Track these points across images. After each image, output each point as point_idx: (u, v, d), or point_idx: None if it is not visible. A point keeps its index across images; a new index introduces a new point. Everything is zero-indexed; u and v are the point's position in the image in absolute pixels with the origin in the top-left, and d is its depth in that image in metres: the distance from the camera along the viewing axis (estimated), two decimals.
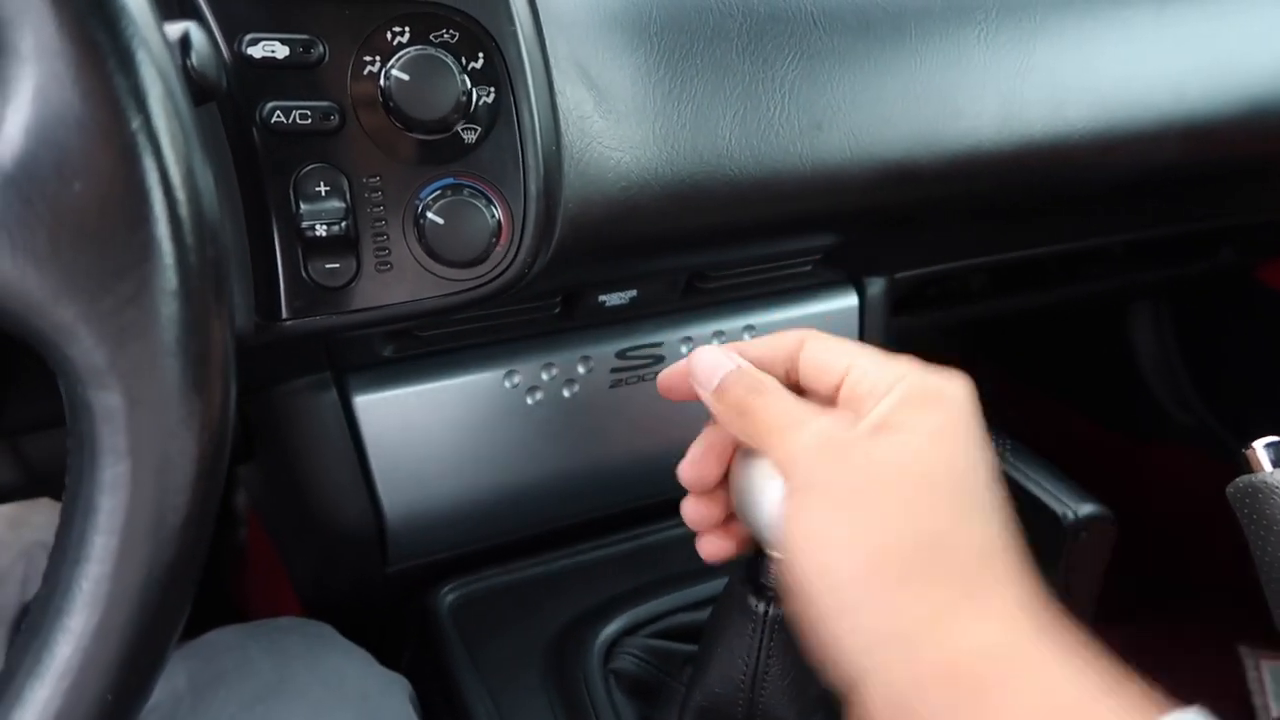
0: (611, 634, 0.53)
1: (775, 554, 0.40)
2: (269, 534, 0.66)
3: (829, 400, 0.37)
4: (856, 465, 0.34)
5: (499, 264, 0.45)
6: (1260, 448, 0.38)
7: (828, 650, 0.33)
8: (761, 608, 0.41)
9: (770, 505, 0.37)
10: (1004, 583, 0.32)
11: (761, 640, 0.42)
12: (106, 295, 0.25)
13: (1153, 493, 1.17)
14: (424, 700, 0.52)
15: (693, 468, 0.41)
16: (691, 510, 0.42)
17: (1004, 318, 1.09)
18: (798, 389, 0.39)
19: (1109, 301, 1.11)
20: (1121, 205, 0.73)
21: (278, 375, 0.53)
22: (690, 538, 0.65)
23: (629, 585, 0.58)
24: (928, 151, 0.56)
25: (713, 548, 0.42)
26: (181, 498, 0.27)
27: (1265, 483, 0.37)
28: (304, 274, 0.43)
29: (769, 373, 0.39)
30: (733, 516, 0.42)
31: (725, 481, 0.42)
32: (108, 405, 0.26)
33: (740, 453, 0.41)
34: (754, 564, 0.42)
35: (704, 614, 0.56)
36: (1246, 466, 0.38)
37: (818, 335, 0.40)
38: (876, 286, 0.68)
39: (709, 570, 0.58)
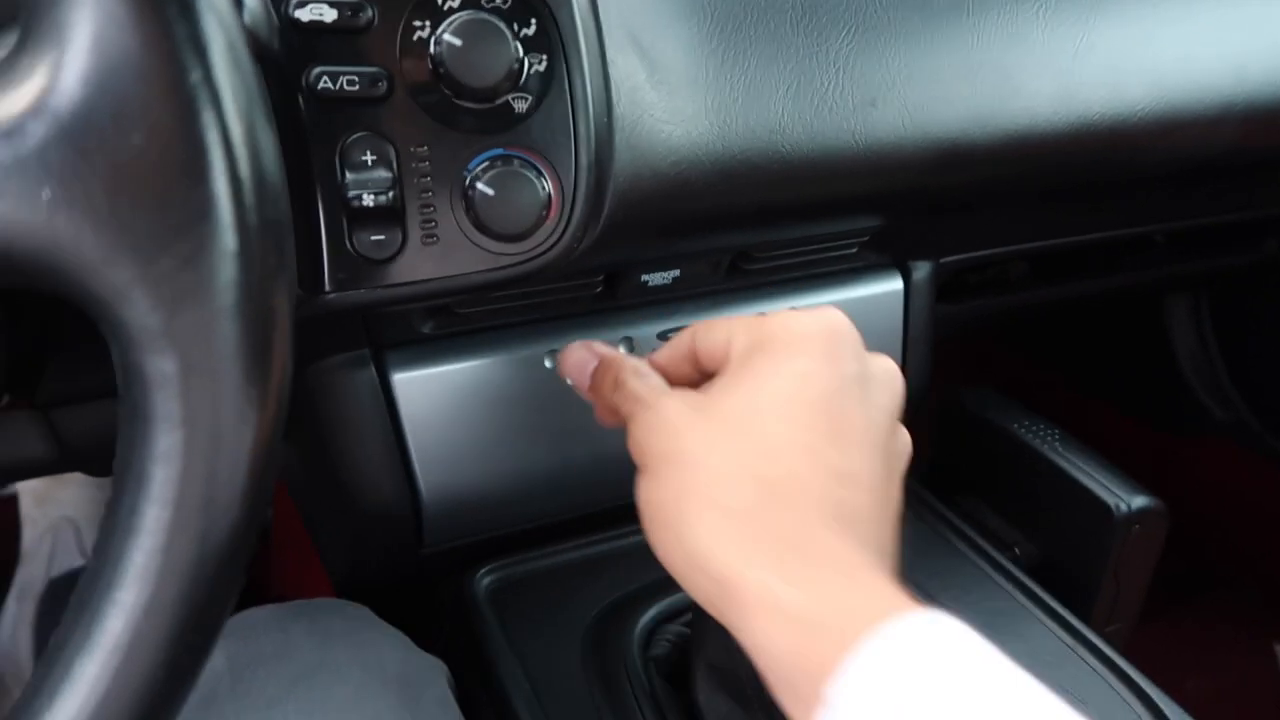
0: (651, 619, 0.52)
1: None
2: (301, 514, 0.65)
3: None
4: (706, 428, 0.36)
5: (547, 238, 0.44)
6: None
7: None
8: None
9: None
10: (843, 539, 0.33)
11: None
12: (163, 255, 0.24)
13: (1188, 488, 1.15)
14: (460, 683, 0.51)
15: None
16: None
17: (1041, 310, 1.07)
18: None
19: (1148, 293, 1.09)
20: (1175, 190, 0.71)
21: (316, 351, 0.52)
22: None
23: (664, 572, 0.57)
24: (983, 131, 0.54)
25: None
26: (237, 469, 0.26)
27: None
28: (348, 245, 0.42)
29: (677, 373, 0.42)
30: None
31: None
32: (162, 371, 0.25)
33: None
34: None
35: None
36: None
37: (705, 324, 0.41)
38: (922, 271, 0.67)
39: None
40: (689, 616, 0.54)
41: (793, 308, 0.62)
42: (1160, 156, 0.62)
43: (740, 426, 0.35)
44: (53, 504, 0.93)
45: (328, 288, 0.42)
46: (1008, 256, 0.78)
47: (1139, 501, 0.57)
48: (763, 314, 0.41)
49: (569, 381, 0.46)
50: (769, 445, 0.35)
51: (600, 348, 0.45)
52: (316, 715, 0.43)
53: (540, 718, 0.48)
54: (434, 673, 0.49)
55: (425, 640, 0.52)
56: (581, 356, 0.45)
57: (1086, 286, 0.95)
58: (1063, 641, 0.55)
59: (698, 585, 0.35)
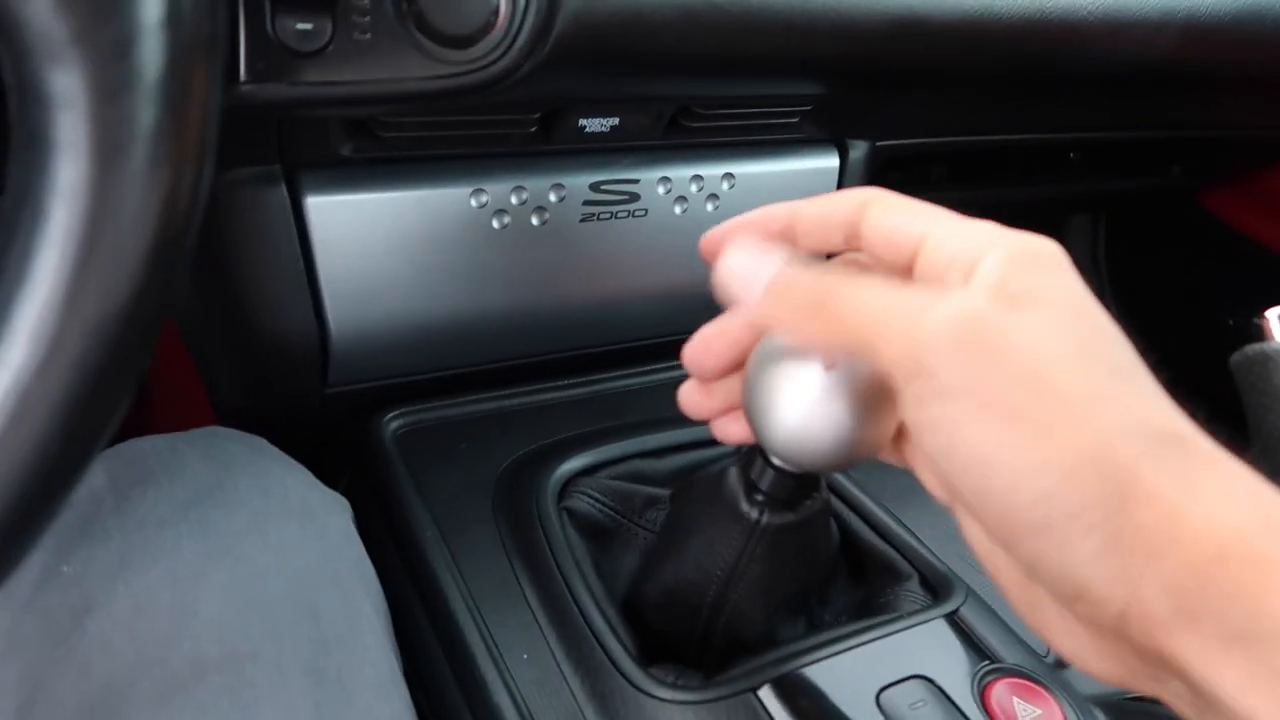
0: (567, 472, 0.51)
1: (778, 462, 0.37)
2: (189, 343, 0.60)
3: (901, 275, 0.30)
4: (1008, 352, 0.26)
5: (493, 49, 0.41)
6: (1274, 317, 0.37)
7: (1033, 567, 0.26)
8: (754, 514, 0.39)
9: (795, 414, 0.32)
10: (1220, 457, 0.26)
11: (747, 546, 0.40)
12: None
13: None
14: (363, 526, 0.49)
15: (700, 351, 0.36)
16: (687, 397, 0.38)
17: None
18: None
19: (1055, 209, 1.11)
20: (1107, 98, 0.72)
21: (221, 158, 0.47)
22: (653, 388, 0.63)
23: (582, 429, 0.56)
24: (940, 6, 0.53)
25: (730, 430, 0.37)
26: (152, 218, 0.23)
27: (1278, 350, 0.36)
28: (269, 31, 0.38)
29: (825, 241, 0.33)
30: (734, 409, 0.37)
31: (732, 372, 0.36)
32: (68, 89, 0.21)
33: (763, 347, 0.34)
34: (750, 467, 0.39)
35: (663, 462, 0.54)
36: (1258, 335, 0.38)
37: (883, 198, 0.32)
38: (859, 151, 0.66)
39: (669, 420, 0.57)
40: (607, 473, 0.53)
41: (728, 173, 0.61)
42: (1101, 56, 0.62)
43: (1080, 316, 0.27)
44: None
45: (243, 77, 0.38)
46: (940, 149, 0.78)
47: None
48: (975, 222, 0.30)
49: (733, 287, 0.32)
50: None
51: (769, 250, 0.32)
52: (211, 539, 0.40)
53: (448, 560, 0.47)
54: (338, 507, 0.46)
55: (324, 483, 0.50)
56: (750, 257, 0.32)
57: (999, 194, 0.96)
58: None
59: (1117, 548, 0.25)
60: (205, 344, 0.59)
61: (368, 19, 0.39)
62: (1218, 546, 0.23)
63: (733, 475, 0.40)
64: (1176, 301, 1.11)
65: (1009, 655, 0.45)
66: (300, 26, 0.38)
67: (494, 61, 0.41)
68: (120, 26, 0.21)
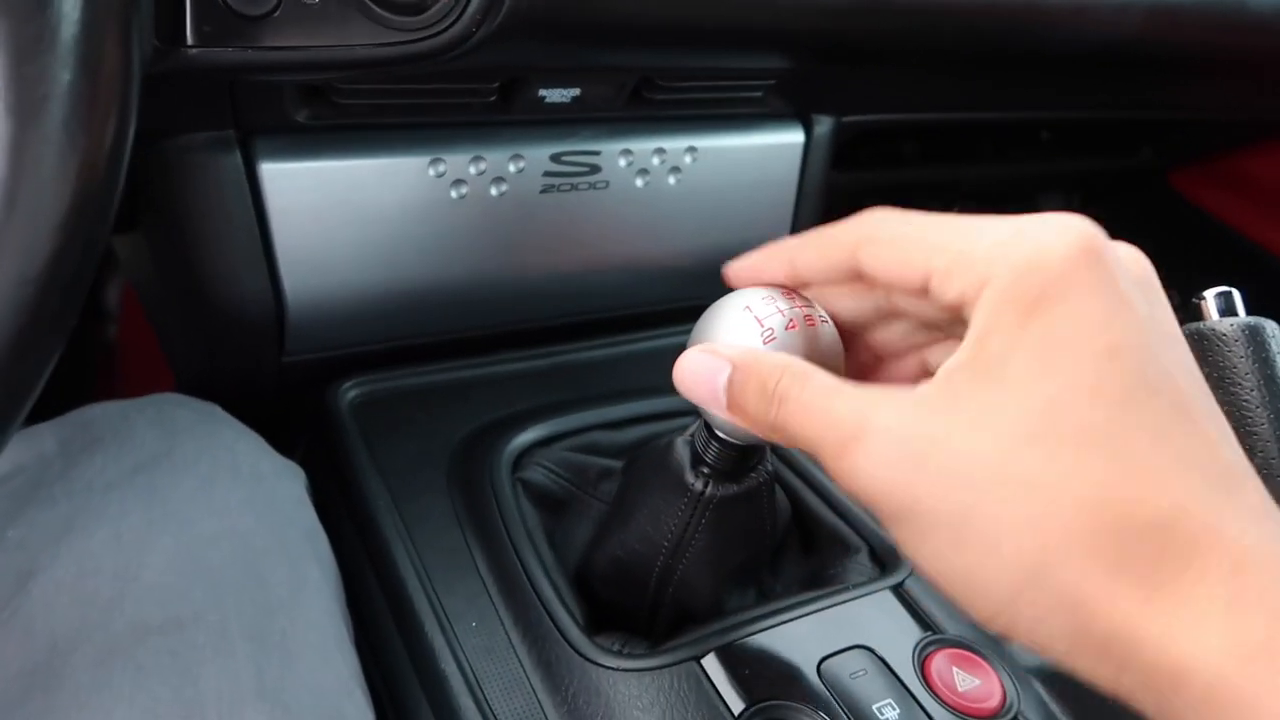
0: (523, 443, 0.51)
1: (722, 434, 0.38)
2: (149, 312, 0.60)
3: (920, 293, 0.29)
4: (945, 470, 0.25)
5: (444, 16, 0.41)
6: (1210, 297, 0.38)
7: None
8: (699, 486, 0.40)
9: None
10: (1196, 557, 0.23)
11: (692, 517, 0.40)
12: None
13: None
14: (318, 494, 0.49)
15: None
16: None
17: (926, 193, 1.09)
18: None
19: (1026, 188, 1.12)
20: (1074, 78, 0.72)
21: (175, 123, 0.47)
22: (612, 361, 0.63)
23: (540, 400, 0.56)
24: None
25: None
26: (72, 179, 0.23)
27: (1213, 329, 0.37)
28: None
29: (830, 280, 0.32)
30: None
31: None
32: None
33: (705, 319, 0.35)
34: (696, 439, 0.40)
35: (621, 434, 0.54)
36: (1196, 315, 0.38)
37: (873, 239, 0.30)
38: (824, 126, 0.66)
39: (628, 391, 0.57)
40: (563, 444, 0.53)
41: (691, 146, 0.60)
42: (1067, 35, 0.62)
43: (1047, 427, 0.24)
44: None
45: (190, 40, 0.38)
46: (906, 126, 0.78)
47: None
48: (986, 225, 0.28)
49: (690, 394, 0.32)
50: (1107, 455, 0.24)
51: (726, 350, 0.31)
52: (156, 503, 0.40)
53: (400, 528, 0.47)
54: (290, 474, 0.47)
55: (281, 453, 0.50)
56: (704, 365, 0.31)
57: (970, 172, 0.97)
58: None
59: (1084, 653, 0.24)
60: (163, 311, 0.59)
61: None
62: (1173, 671, 0.22)
63: (679, 447, 0.41)
64: None
65: (951, 626, 0.45)
66: None
67: (445, 29, 0.41)
68: None
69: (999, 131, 0.96)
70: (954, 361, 0.26)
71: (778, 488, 0.52)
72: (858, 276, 0.31)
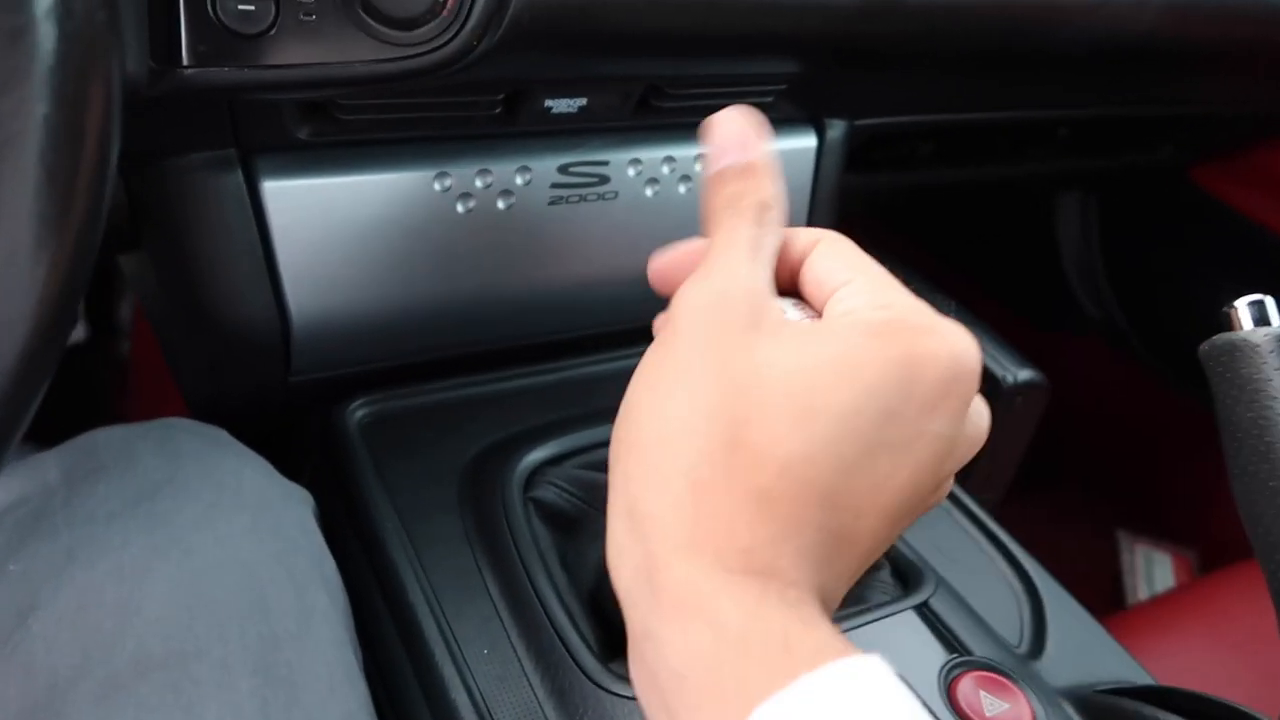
0: (534, 461, 0.50)
1: None
2: (158, 335, 0.60)
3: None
4: (722, 354, 0.29)
5: (444, 31, 0.40)
6: (1242, 306, 0.36)
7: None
8: None
9: None
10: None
11: None
12: None
13: (1052, 380, 1.20)
14: (326, 517, 0.48)
15: (661, 267, 0.38)
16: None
17: (942, 194, 1.07)
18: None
19: (1044, 187, 1.10)
20: (1090, 75, 0.70)
21: (175, 143, 0.46)
22: (622, 374, 0.62)
23: (551, 416, 0.55)
24: None
25: None
26: (51, 212, 0.22)
27: (1245, 340, 0.35)
28: (210, 12, 0.37)
29: (778, 266, 0.34)
30: None
31: None
32: None
33: None
34: None
35: None
36: (1226, 325, 0.37)
37: (831, 245, 0.34)
38: (836, 130, 0.65)
39: None
40: (574, 462, 0.52)
41: (702, 154, 0.59)
42: (1080, 33, 0.61)
43: (812, 384, 0.28)
44: None
45: (185, 61, 0.37)
46: (920, 127, 0.77)
47: (1024, 374, 0.58)
48: (899, 287, 0.32)
49: (713, 140, 0.36)
50: (821, 430, 0.28)
51: (760, 148, 0.35)
52: (158, 532, 0.39)
53: (409, 552, 0.46)
54: (296, 499, 0.46)
55: (289, 475, 0.49)
56: (739, 134, 0.35)
57: (987, 172, 0.95)
58: (940, 504, 0.56)
59: (621, 549, 0.29)
60: (168, 330, 0.58)
61: (312, 0, 0.38)
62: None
63: None
64: (1171, 279, 1.10)
65: (978, 648, 0.44)
66: (242, 8, 0.37)
67: (445, 44, 0.40)
68: (10, 17, 0.20)
69: (1015, 130, 0.94)
70: (770, 318, 0.31)
71: None
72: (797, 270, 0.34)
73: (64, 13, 0.21)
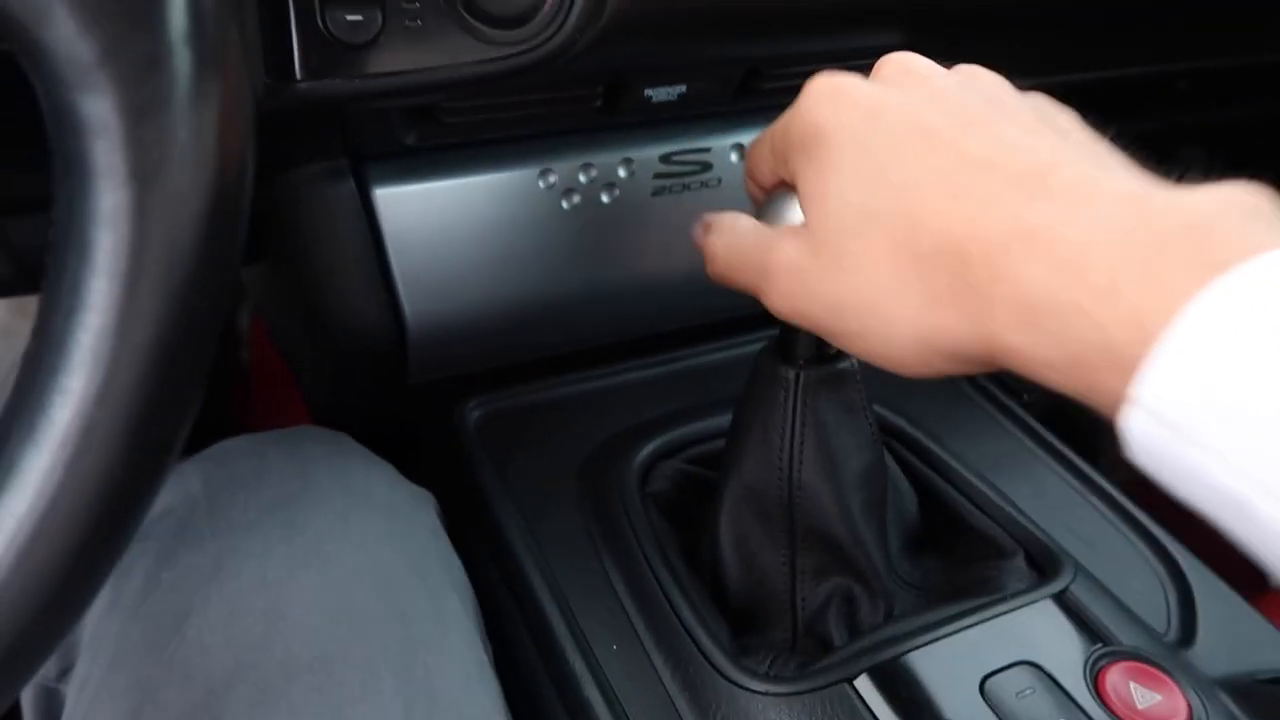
0: (649, 455, 0.50)
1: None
2: (279, 343, 0.61)
3: None
4: (826, 293, 0.31)
5: (546, 28, 0.39)
6: None
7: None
8: (792, 374, 0.40)
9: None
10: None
11: (795, 408, 0.40)
12: None
13: None
14: (448, 517, 0.49)
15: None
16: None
17: None
18: None
19: (1164, 142, 1.04)
20: (1215, 21, 0.66)
21: (288, 156, 0.47)
22: (732, 363, 0.61)
23: (665, 409, 0.54)
24: None
25: None
26: (195, 238, 0.22)
27: None
28: (321, 25, 0.37)
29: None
30: None
31: None
32: (99, 114, 0.21)
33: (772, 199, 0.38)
34: (783, 333, 0.41)
35: None
36: None
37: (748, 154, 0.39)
38: None
39: None
40: (688, 454, 0.52)
41: None
42: None
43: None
44: (18, 337, 0.89)
45: (299, 75, 0.38)
46: (1033, 89, 0.73)
47: None
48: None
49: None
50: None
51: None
52: (297, 540, 0.40)
53: (534, 551, 0.47)
54: (422, 502, 0.46)
55: (411, 475, 0.50)
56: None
57: (1104, 130, 0.90)
58: (1071, 486, 0.54)
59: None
60: (289, 339, 0.60)
61: (417, 5, 0.38)
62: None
63: (765, 354, 0.42)
64: None
65: (1124, 636, 0.42)
66: (351, 18, 0.37)
67: (548, 39, 0.40)
68: (145, 44, 0.21)
69: (1129, 84, 0.89)
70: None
71: (902, 473, 0.50)
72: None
73: (198, 37, 0.21)
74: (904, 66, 0.34)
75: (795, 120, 0.33)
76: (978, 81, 0.34)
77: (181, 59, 0.21)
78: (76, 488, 0.23)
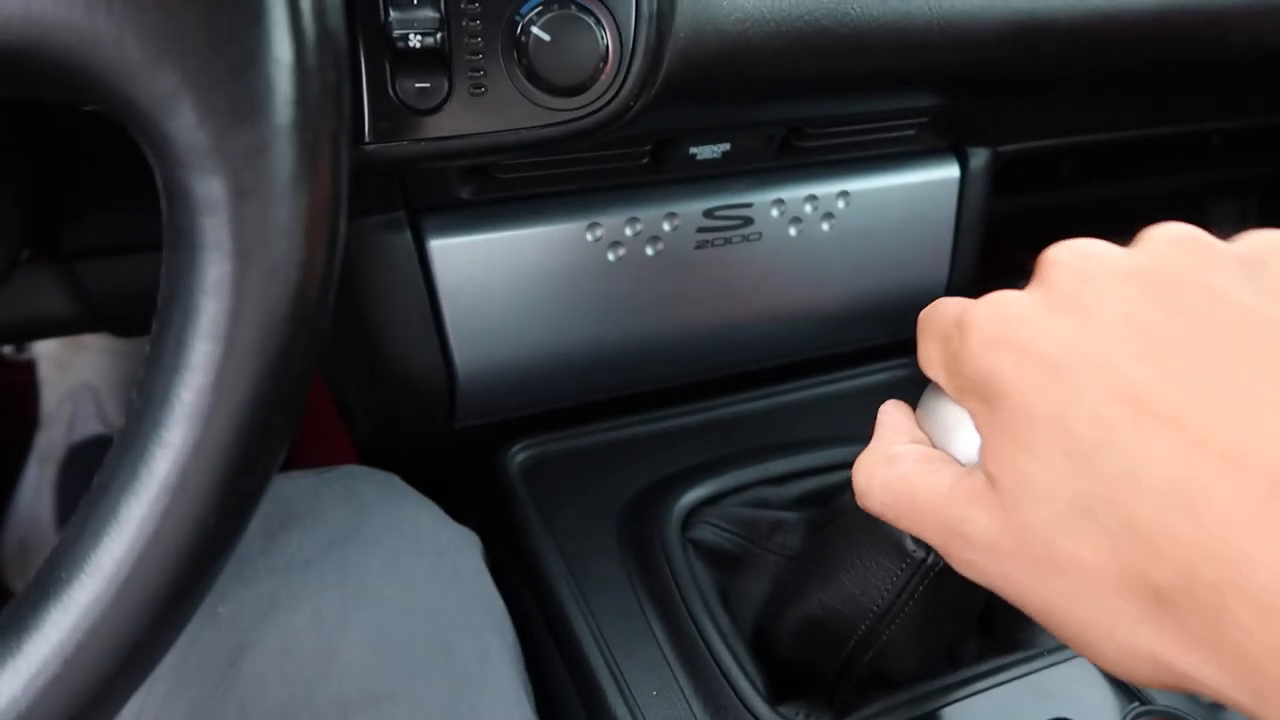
0: (691, 502, 0.51)
1: None
2: (328, 383, 0.64)
3: None
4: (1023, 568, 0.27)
5: (603, 94, 0.41)
6: None
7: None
8: (921, 554, 0.37)
9: (961, 450, 0.32)
10: None
11: (908, 584, 0.38)
12: (215, 60, 0.22)
13: None
14: (491, 557, 0.50)
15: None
16: None
17: (1087, 213, 1.03)
18: None
19: (1197, 198, 1.05)
20: (1255, 81, 0.67)
21: (351, 210, 0.49)
22: (771, 411, 0.63)
23: (707, 456, 0.56)
24: (1065, 6, 0.51)
25: None
26: (289, 307, 0.24)
27: None
28: (391, 92, 0.39)
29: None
30: None
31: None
32: (210, 194, 0.23)
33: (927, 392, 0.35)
34: None
35: (787, 489, 0.53)
36: None
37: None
38: (980, 158, 0.64)
39: (789, 445, 0.56)
40: (731, 501, 0.53)
41: (843, 190, 0.59)
42: (1244, 41, 0.58)
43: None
44: (72, 369, 0.92)
45: (368, 138, 0.40)
46: (1066, 148, 0.75)
47: None
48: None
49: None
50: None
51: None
52: (349, 580, 0.42)
53: (576, 594, 0.48)
54: (467, 543, 0.48)
55: (454, 515, 0.52)
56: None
57: (1137, 187, 0.91)
58: None
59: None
60: (342, 382, 0.62)
61: (481, 73, 0.40)
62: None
63: None
64: None
65: (1160, 695, 0.42)
66: (420, 85, 0.40)
67: (604, 106, 0.41)
68: (254, 132, 0.23)
69: (1164, 141, 0.90)
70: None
71: None
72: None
73: (300, 128, 0.23)
74: (1177, 238, 0.28)
75: (967, 361, 0.28)
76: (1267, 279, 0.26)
77: (284, 147, 0.23)
78: (172, 533, 0.25)
